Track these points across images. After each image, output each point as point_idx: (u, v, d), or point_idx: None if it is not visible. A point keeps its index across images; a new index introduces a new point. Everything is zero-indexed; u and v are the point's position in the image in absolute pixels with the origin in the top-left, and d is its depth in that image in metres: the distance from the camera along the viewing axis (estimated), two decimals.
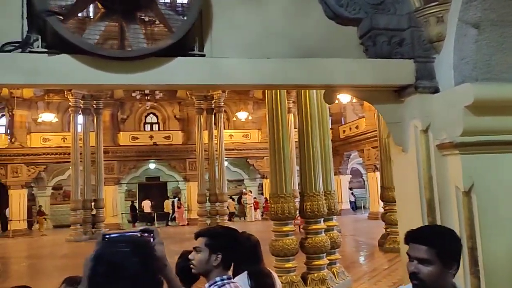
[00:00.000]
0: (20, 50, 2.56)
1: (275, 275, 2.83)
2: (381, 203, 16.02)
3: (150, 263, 1.10)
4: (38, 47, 2.54)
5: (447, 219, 2.82)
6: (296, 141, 7.33)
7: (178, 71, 2.64)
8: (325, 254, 7.27)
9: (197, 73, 2.69)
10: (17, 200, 20.44)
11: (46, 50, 2.52)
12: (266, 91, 7.50)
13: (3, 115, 23.32)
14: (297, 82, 2.91)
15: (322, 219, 7.43)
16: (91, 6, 2.86)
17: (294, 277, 6.81)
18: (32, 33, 2.57)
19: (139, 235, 1.42)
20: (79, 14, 2.82)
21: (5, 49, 2.55)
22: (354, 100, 21.66)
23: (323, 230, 7.38)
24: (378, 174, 20.08)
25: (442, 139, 2.80)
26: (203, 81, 2.71)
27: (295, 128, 13.60)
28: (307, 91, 7.39)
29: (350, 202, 24.84)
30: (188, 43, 2.69)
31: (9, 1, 2.63)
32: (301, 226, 7.69)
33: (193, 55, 2.67)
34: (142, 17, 2.79)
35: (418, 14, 2.95)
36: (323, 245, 7.20)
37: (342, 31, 3.05)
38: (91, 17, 2.95)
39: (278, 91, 7.21)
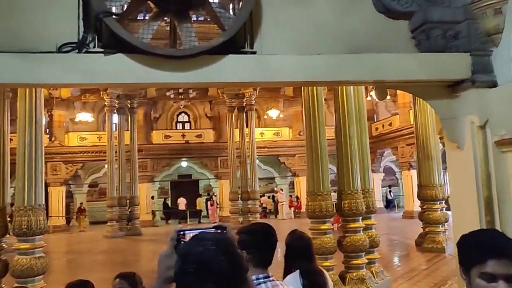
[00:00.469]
0: (77, 50, 2.63)
1: (326, 274, 2.80)
2: (417, 202, 15.64)
3: (236, 261, 1.09)
4: (94, 47, 2.61)
5: (507, 219, 2.71)
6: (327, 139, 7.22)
7: (230, 68, 2.64)
8: (364, 253, 7.17)
9: (248, 70, 2.69)
10: (56, 197, 21.17)
11: (102, 50, 2.58)
12: (302, 88, 7.44)
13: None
14: (347, 78, 2.87)
15: (360, 217, 7.32)
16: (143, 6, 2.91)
17: (332, 276, 6.72)
18: (88, 33, 2.63)
19: (213, 231, 1.41)
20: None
21: (62, 50, 2.63)
22: (388, 97, 21.26)
23: (362, 228, 7.27)
24: (413, 172, 19.66)
25: (501, 135, 2.70)
26: (254, 78, 2.71)
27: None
28: (344, 87, 7.30)
29: (389, 200, 24.48)
30: (239, 41, 2.69)
31: (65, 3, 2.70)
32: (339, 225, 7.59)
33: (245, 53, 2.67)
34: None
35: (474, 6, 2.85)
36: (362, 244, 7.09)
37: (393, 25, 2.98)
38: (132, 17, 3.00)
39: (314, 88, 7.15)
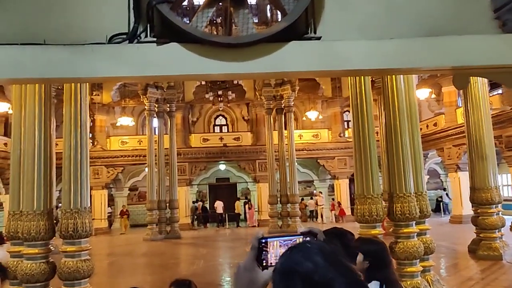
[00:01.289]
0: (128, 41, 2.46)
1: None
2: (466, 206, 14.80)
3: (355, 279, 0.83)
4: (146, 37, 2.43)
5: None
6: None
7: (292, 56, 2.39)
8: (418, 260, 6.72)
9: (312, 58, 2.43)
10: (99, 200, 21.61)
11: (154, 39, 2.39)
12: (349, 84, 7.11)
13: None
14: (423, 64, 2.55)
15: (414, 222, 6.87)
16: None
17: None
18: (140, 23, 2.45)
19: (301, 238, 1.16)
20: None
21: (113, 41, 2.46)
22: (433, 96, 20.44)
23: (415, 234, 6.83)
24: (460, 174, 18.68)
25: None
26: (319, 66, 2.44)
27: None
28: (394, 82, 6.91)
29: (438, 204, 23.53)
30: (301, 26, 2.44)
31: None
32: (390, 230, 7.17)
33: (308, 39, 2.41)
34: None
35: None
36: (416, 251, 6.65)
37: (472, 3, 2.64)
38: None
39: (362, 84, 6.82)
